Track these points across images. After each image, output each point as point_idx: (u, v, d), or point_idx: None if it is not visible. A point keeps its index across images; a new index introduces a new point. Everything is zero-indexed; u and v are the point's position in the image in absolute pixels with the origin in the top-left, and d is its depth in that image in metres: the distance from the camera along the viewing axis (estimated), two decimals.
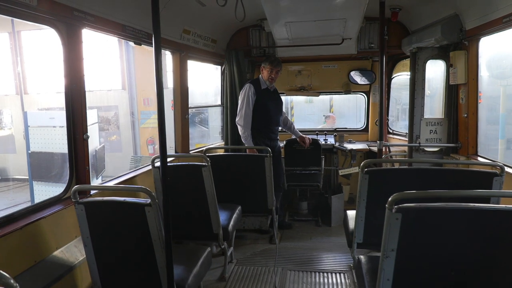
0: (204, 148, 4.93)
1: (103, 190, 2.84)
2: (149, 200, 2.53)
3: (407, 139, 6.21)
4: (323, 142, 6.84)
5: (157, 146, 14.71)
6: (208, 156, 4.87)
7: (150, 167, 3.95)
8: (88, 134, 3.22)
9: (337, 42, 5.75)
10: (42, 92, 13.21)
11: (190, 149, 5.39)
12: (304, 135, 6.11)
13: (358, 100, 12.71)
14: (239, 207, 4.64)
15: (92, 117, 8.25)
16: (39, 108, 12.71)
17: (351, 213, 4.16)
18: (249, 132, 5.34)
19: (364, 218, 3.47)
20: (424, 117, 4.91)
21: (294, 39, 5.77)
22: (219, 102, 6.59)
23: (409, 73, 6.29)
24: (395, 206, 2.16)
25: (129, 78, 14.01)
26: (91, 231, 2.71)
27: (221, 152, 5.89)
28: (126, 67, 14.10)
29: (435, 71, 5.15)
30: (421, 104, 4.88)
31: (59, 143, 6.82)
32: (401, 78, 6.97)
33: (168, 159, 4.53)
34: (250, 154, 5.07)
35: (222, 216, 4.25)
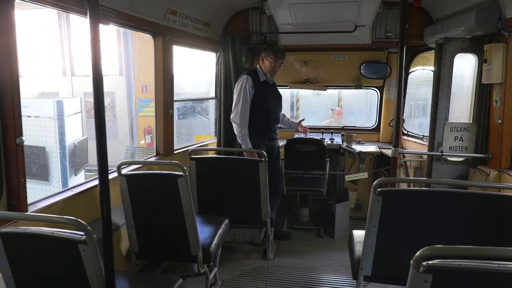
0: (189, 149, 4.21)
1: (27, 220, 2.14)
2: (84, 236, 1.84)
3: (423, 143, 5.48)
4: (329, 142, 6.12)
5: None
6: (193, 159, 4.22)
7: (116, 174, 3.26)
8: (23, 138, 2.48)
9: (349, 30, 4.98)
10: None
11: (175, 149, 4.68)
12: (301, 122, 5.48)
13: (369, 96, 11.96)
14: (226, 221, 3.95)
15: (74, 106, 7.58)
16: None
17: (358, 235, 3.48)
18: (246, 131, 4.64)
19: (375, 247, 2.81)
20: (449, 121, 4.16)
21: (299, 24, 5.01)
22: (213, 94, 5.87)
23: (430, 67, 5.57)
24: (424, 263, 1.53)
25: (127, 63, 13.30)
26: (13, 269, 2.04)
27: (210, 153, 5.19)
28: (124, 52, 13.39)
29: (463, 66, 4.37)
30: (446, 106, 4.12)
31: (32, 135, 6.20)
32: (419, 73, 6.19)
33: (135, 166, 3.91)
34: (242, 158, 4.35)
35: (204, 233, 3.57)
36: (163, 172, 3.18)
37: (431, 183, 3.52)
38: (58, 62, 13.63)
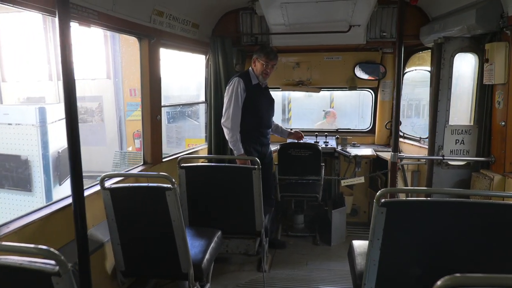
0: (178, 157, 3.98)
1: None
2: (57, 267, 1.61)
3: (421, 145, 5.33)
4: (323, 145, 5.94)
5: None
6: (183, 167, 4.00)
7: (99, 187, 3.02)
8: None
9: (343, 30, 4.80)
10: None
11: (163, 157, 4.45)
12: (293, 131, 5.25)
13: (361, 97, 11.81)
14: (219, 233, 3.73)
15: (59, 112, 7.27)
16: None
17: (359, 246, 3.31)
18: (237, 136, 4.43)
19: (378, 262, 2.63)
20: (449, 123, 3.99)
21: (292, 25, 4.82)
22: (203, 98, 5.65)
23: (426, 68, 5.42)
24: None
25: (115, 66, 13.00)
26: None
27: (200, 160, 4.96)
28: (112, 55, 13.08)
29: (462, 66, 4.21)
30: (446, 108, 3.95)
31: (13, 144, 5.89)
32: (413, 73, 6.04)
33: (118, 178, 3.64)
34: (234, 165, 4.14)
35: (195, 248, 3.35)
36: (150, 185, 2.95)
37: (440, 193, 3.33)
38: (44, 66, 13.30)
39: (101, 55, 13.22)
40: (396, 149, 3.86)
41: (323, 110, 12.50)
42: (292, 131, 5.24)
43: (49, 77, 13.40)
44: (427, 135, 5.30)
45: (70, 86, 1.70)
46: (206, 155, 5.20)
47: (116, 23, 3.39)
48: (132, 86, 12.82)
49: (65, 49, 1.64)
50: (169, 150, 12.91)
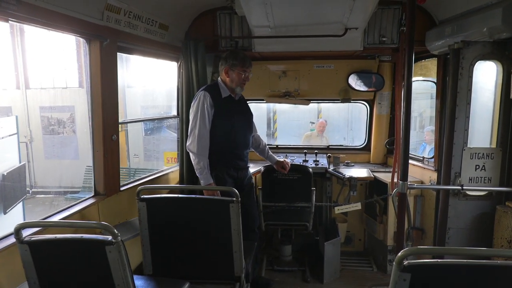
0: (138, 188, 3.17)
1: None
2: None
3: (425, 166, 4.64)
4: (313, 165, 5.21)
5: (121, 153, 12.93)
6: (143, 200, 3.21)
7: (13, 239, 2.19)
8: None
9: (338, 33, 4.10)
10: None
11: (122, 185, 3.65)
12: (282, 160, 4.46)
13: (351, 109, 11.19)
14: (187, 285, 2.95)
15: (8, 126, 6.40)
16: None
17: None
18: (205, 162, 3.67)
19: None
20: (468, 145, 3.30)
21: (278, 27, 4.11)
22: (175, 112, 4.88)
23: (430, 78, 4.78)
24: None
25: (87, 75, 12.13)
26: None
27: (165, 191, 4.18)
28: (85, 62, 12.22)
29: (479, 76, 3.54)
30: (465, 127, 3.26)
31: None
32: (415, 84, 5.38)
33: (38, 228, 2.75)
34: (207, 197, 3.36)
35: None
36: (85, 237, 2.14)
37: (492, 255, 2.58)
38: (10, 74, 12.37)
39: (73, 63, 12.37)
40: (405, 176, 3.15)
41: (311, 122, 11.86)
42: (280, 160, 4.45)
43: (17, 85, 12.50)
44: (431, 155, 4.65)
45: None
46: (173, 185, 4.41)
47: (51, 19, 2.61)
48: None
49: None
50: (147, 164, 12.11)
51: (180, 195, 3.25)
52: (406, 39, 3.09)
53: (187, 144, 3.70)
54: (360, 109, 10.17)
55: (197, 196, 3.24)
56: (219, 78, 3.86)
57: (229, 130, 3.77)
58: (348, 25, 3.96)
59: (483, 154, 3.30)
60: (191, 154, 3.68)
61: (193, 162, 3.67)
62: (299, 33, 4.18)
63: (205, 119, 3.64)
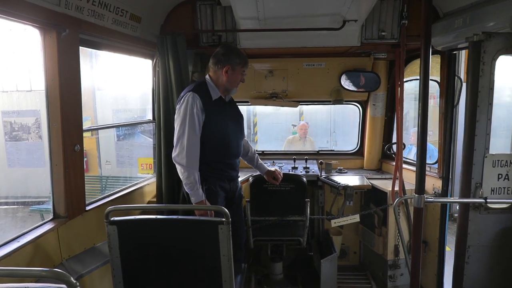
0: (109, 207, 2.61)
1: None
2: None
3: (429, 173, 4.24)
4: (304, 173, 4.77)
5: (92, 160, 12.13)
6: (114, 223, 2.66)
7: None
8: None
9: (335, 27, 3.65)
10: None
11: (88, 203, 3.07)
12: (273, 169, 3.97)
13: (333, 111, 10.83)
14: None
15: None
16: None
17: None
18: (196, 175, 3.16)
19: None
20: (490, 152, 2.90)
21: (268, 19, 3.62)
22: (150, 116, 4.32)
23: (433, 77, 4.39)
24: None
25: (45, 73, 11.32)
26: None
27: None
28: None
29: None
30: (487, 131, 2.86)
31: None
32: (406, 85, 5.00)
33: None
34: (191, 218, 2.81)
35: None
36: (30, 287, 1.59)
37: None
38: None
39: (39, 63, 11.52)
40: (422, 189, 2.71)
41: (292, 125, 11.43)
42: (271, 169, 3.95)
43: None
44: (434, 160, 4.26)
45: None
46: (149, 205, 3.86)
47: None
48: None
49: None
50: (120, 171, 11.39)
51: (158, 217, 2.71)
52: (422, 27, 2.66)
53: (174, 155, 3.17)
54: (344, 110, 9.80)
55: (179, 217, 2.69)
56: (207, 77, 3.35)
57: (222, 137, 3.28)
58: (347, 16, 3.51)
59: (506, 161, 2.90)
60: (178, 167, 3.15)
61: (181, 176, 3.14)
62: (291, 27, 3.70)
63: (195, 126, 3.12)
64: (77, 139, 2.84)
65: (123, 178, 10.38)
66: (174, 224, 2.73)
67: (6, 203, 11.20)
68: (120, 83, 10.42)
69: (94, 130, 9.86)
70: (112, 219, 2.61)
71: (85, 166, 10.22)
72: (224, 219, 2.58)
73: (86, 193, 3.01)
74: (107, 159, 11.41)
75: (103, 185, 9.10)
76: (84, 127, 2.97)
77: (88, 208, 3.04)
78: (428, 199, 2.77)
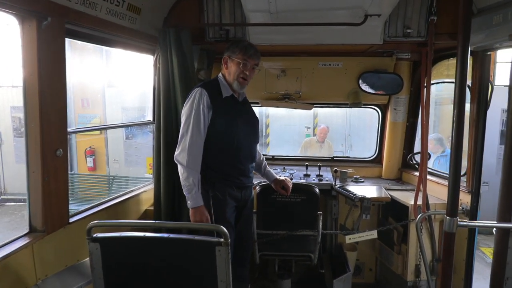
0: (92, 222, 2.27)
1: None
2: None
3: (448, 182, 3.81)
4: (317, 181, 4.39)
5: (100, 158, 11.90)
6: (96, 240, 2.33)
7: None
8: None
9: (356, 21, 3.26)
10: None
11: (71, 215, 2.75)
12: (282, 178, 3.59)
13: (348, 114, 10.37)
14: None
15: None
16: None
17: None
18: (196, 178, 2.86)
19: None
20: None
21: (280, 13, 3.25)
22: (150, 117, 4.00)
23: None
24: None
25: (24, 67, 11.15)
26: None
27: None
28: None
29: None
30: None
31: None
32: (433, 88, 4.57)
33: None
34: (186, 238, 2.45)
35: None
36: None
37: None
38: None
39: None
40: (455, 212, 2.31)
41: (306, 127, 11.00)
42: (279, 178, 3.57)
43: None
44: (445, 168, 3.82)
45: None
46: (137, 221, 3.52)
47: None
48: (84, 96, 11.01)
49: None
50: (128, 170, 11.14)
51: (146, 234, 2.36)
52: (460, 23, 2.27)
53: (176, 153, 2.90)
54: (361, 113, 9.31)
55: (170, 235, 2.35)
56: (219, 74, 3.08)
57: (231, 139, 2.97)
58: (369, 10, 3.11)
59: None
60: (179, 167, 2.88)
61: (181, 177, 2.86)
62: (306, 21, 3.33)
63: (200, 124, 2.85)
64: (59, 142, 2.51)
65: (132, 178, 9.94)
66: (164, 243, 2.39)
67: (14, 200, 11.09)
68: (130, 81, 10.17)
69: (82, 132, 9.45)
70: (94, 235, 2.28)
71: (92, 165, 9.90)
72: (222, 240, 2.22)
73: (93, 194, 2.72)
74: (115, 157, 11.19)
75: (110, 184, 8.80)
76: (69, 128, 2.64)
77: (72, 220, 2.71)
78: (462, 223, 2.36)
